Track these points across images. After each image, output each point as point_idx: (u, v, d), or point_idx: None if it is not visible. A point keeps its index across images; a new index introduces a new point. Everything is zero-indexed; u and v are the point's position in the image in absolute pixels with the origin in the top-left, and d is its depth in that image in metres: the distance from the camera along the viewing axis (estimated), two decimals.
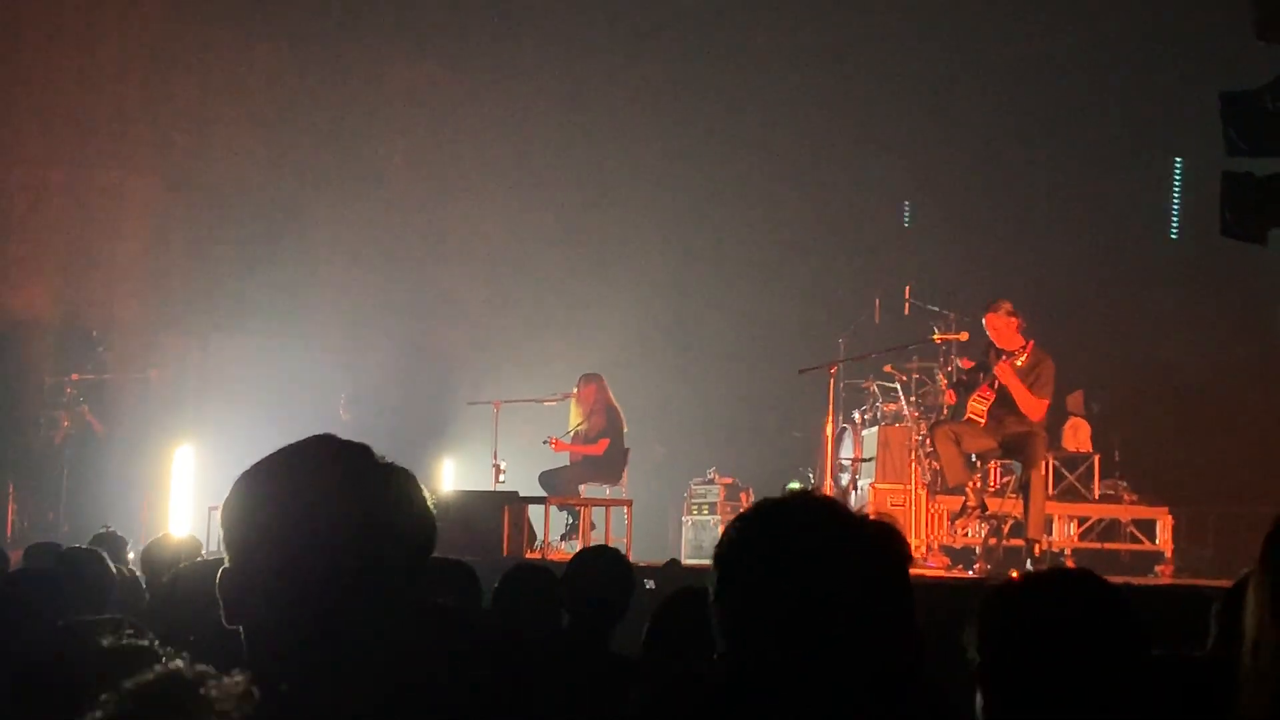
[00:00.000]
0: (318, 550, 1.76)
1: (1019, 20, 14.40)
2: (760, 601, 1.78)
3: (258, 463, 1.85)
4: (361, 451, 1.86)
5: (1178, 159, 13.97)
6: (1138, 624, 2.38)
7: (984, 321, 10.00)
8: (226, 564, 1.81)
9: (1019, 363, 9.77)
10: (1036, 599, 2.36)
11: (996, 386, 9.79)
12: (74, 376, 13.50)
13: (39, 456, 13.45)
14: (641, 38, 16.39)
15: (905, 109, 15.28)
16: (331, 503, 1.79)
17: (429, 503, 1.88)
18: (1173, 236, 14.01)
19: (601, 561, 4.83)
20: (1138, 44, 13.56)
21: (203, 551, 6.46)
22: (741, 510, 1.93)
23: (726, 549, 1.85)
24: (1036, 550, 9.72)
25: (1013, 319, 9.85)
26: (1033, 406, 9.78)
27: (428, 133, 16.50)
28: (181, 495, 13.47)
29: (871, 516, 1.88)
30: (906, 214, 15.99)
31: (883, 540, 1.83)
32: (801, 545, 1.79)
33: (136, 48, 15.06)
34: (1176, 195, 14.15)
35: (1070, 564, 10.97)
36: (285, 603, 1.76)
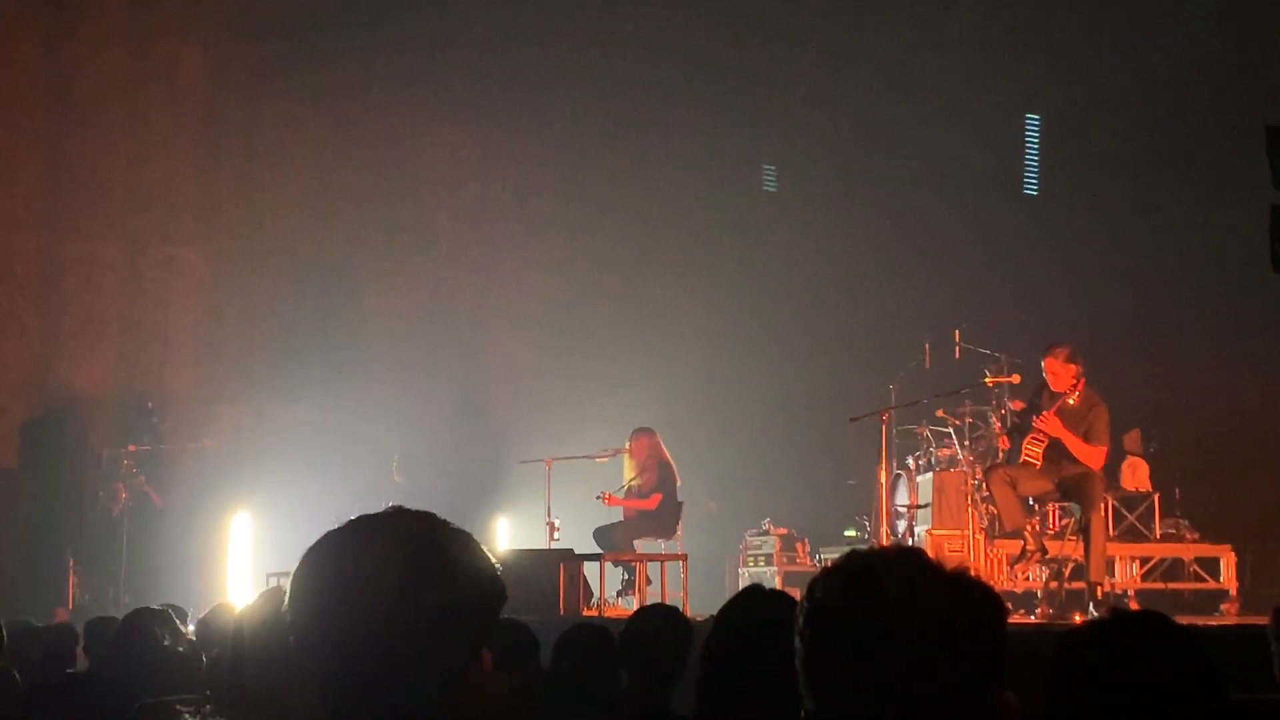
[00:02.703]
0: (388, 624, 1.76)
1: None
2: (851, 656, 1.74)
3: (325, 535, 1.85)
4: (427, 520, 1.86)
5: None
6: (1213, 667, 2.34)
7: (1043, 364, 9.90)
8: (296, 637, 1.81)
9: (1070, 401, 9.68)
10: (1107, 646, 2.32)
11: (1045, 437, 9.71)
12: (131, 448, 13.59)
13: (98, 529, 13.55)
14: (686, 93, 16.47)
15: (951, 155, 15.26)
16: (399, 576, 1.79)
17: (494, 566, 1.88)
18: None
19: (659, 619, 4.79)
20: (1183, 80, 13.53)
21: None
22: (829, 564, 1.88)
23: (818, 604, 1.80)
24: (1099, 593, 9.59)
25: (1072, 364, 9.74)
26: (1089, 454, 9.65)
27: (473, 193, 16.63)
28: (239, 563, 13.53)
29: (965, 572, 1.83)
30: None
31: (979, 597, 1.80)
32: (898, 598, 1.75)
33: (183, 120, 15.27)
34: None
35: (1134, 605, 10.83)
36: (361, 677, 1.76)
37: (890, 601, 1.74)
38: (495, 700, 1.88)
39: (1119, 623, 2.48)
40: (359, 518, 1.86)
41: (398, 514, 1.87)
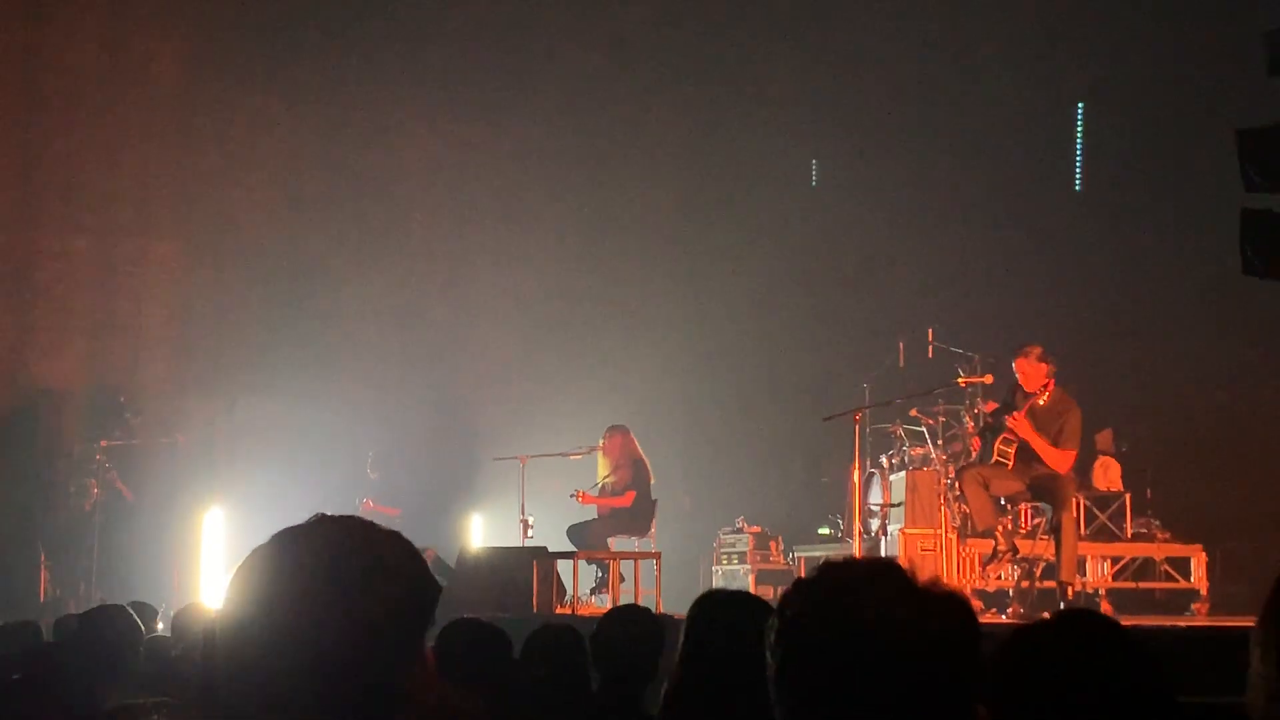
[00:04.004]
0: (321, 637, 1.75)
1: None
2: (824, 673, 1.73)
3: (251, 553, 1.83)
4: (351, 527, 1.85)
5: None
6: (1157, 671, 2.34)
7: (1014, 366, 9.95)
8: (232, 661, 1.79)
9: (1041, 402, 9.72)
10: (1047, 648, 2.33)
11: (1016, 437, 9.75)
12: (103, 443, 13.51)
13: (69, 524, 13.47)
14: (662, 90, 16.46)
15: (929, 154, 15.29)
16: (328, 587, 1.77)
17: (424, 563, 1.87)
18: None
19: (630, 621, 4.78)
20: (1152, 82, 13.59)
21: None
22: (802, 575, 1.87)
23: (791, 620, 1.78)
24: (1070, 592, 9.65)
25: (1043, 364, 9.79)
26: (1057, 459, 9.70)
27: (448, 190, 16.58)
28: (213, 559, 13.48)
29: (939, 586, 1.81)
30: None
31: (954, 613, 1.79)
32: (872, 615, 1.74)
33: (157, 114, 15.18)
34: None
35: (1105, 605, 10.90)
36: (303, 691, 1.75)
37: (864, 618, 1.74)
38: (438, 696, 1.86)
39: (1059, 624, 2.48)
40: (282, 531, 1.84)
41: (321, 524, 1.84)
